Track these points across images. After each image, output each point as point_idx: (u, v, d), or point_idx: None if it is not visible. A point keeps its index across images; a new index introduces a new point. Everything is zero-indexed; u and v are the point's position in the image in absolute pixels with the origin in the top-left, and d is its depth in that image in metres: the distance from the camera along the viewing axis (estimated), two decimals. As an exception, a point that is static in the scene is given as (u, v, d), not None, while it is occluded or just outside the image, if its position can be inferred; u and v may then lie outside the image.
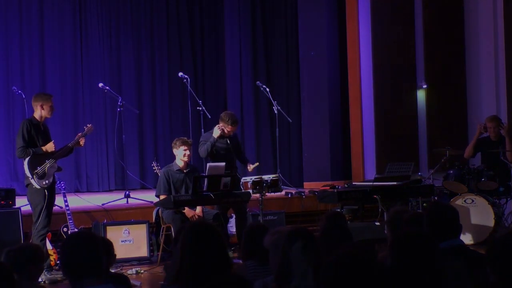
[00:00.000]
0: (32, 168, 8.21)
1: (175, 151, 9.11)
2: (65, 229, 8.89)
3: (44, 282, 8.10)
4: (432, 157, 11.78)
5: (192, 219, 8.75)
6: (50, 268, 8.28)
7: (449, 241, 4.39)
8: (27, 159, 8.22)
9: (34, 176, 8.19)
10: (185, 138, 9.29)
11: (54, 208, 9.10)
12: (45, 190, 8.18)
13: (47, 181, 8.22)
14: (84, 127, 9.09)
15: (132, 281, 5.79)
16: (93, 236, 3.46)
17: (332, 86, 12.84)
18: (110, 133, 12.69)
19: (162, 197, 8.91)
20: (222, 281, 3.05)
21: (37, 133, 8.29)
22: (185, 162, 9.05)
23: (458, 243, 4.44)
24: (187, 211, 8.87)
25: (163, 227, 9.11)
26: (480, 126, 10.52)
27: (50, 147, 8.32)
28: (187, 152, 9.03)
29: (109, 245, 5.00)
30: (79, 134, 8.78)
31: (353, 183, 11.00)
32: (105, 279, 3.39)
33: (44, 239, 8.20)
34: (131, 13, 13.38)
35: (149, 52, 13.50)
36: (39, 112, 8.29)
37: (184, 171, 9.04)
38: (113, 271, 6.81)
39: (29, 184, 8.27)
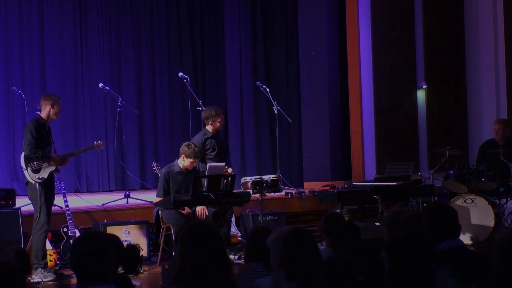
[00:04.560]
0: (28, 160, 8.23)
1: (183, 156, 8.89)
2: (65, 229, 8.89)
3: (42, 282, 8.12)
4: (432, 157, 11.78)
5: (199, 214, 8.77)
6: (45, 267, 8.28)
7: (449, 241, 4.39)
8: (23, 154, 8.26)
9: (28, 168, 8.20)
10: (197, 150, 8.97)
11: (54, 208, 9.11)
12: (41, 186, 8.18)
13: (40, 176, 8.22)
14: (95, 142, 9.11)
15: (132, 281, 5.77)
16: (105, 240, 3.45)
17: (332, 86, 12.82)
18: (110, 133, 12.68)
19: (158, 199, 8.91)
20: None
21: (43, 133, 8.32)
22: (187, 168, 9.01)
23: (458, 243, 4.44)
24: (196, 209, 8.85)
25: (163, 227, 9.10)
26: None
27: (56, 161, 8.33)
28: (194, 164, 8.94)
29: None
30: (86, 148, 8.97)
31: (353, 183, 11.01)
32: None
33: (45, 237, 8.21)
34: (131, 13, 13.38)
35: (149, 52, 13.50)
36: (48, 111, 8.31)
37: (185, 172, 9.01)
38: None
39: (29, 182, 8.29)
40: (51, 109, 8.30)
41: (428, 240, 3.77)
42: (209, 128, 9.56)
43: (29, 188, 8.32)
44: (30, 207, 8.56)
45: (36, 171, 8.24)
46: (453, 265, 3.87)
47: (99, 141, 9.19)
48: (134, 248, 4.30)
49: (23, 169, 8.27)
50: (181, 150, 8.95)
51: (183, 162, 8.90)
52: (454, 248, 4.34)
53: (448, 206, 4.84)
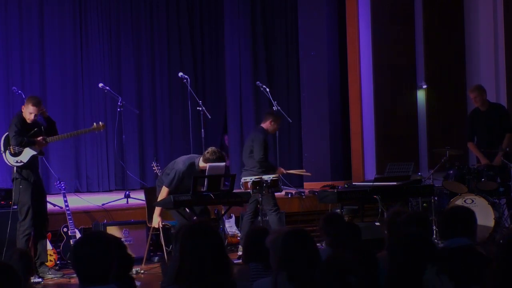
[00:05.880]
0: (7, 144, 8.25)
1: (207, 162, 8.59)
2: (65, 229, 8.90)
3: (42, 282, 8.14)
4: (432, 157, 11.78)
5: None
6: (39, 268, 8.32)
7: (457, 239, 4.43)
8: (3, 136, 8.29)
9: (6, 152, 8.22)
10: (222, 154, 8.84)
11: (54, 208, 9.12)
12: (26, 184, 8.19)
13: (19, 160, 8.23)
14: (94, 123, 9.05)
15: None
16: (106, 240, 3.45)
17: (332, 86, 12.82)
18: (110, 133, 12.68)
19: (165, 191, 8.68)
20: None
21: (25, 128, 8.35)
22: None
23: (466, 242, 4.45)
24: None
25: (152, 227, 9.10)
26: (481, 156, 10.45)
27: (41, 144, 8.36)
28: None
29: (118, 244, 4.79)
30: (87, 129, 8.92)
31: (353, 183, 11.01)
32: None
33: (28, 239, 8.18)
34: (131, 13, 13.38)
35: (149, 52, 13.51)
36: (26, 113, 8.38)
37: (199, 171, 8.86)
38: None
39: (16, 178, 8.30)
40: (23, 111, 8.38)
41: (429, 239, 3.78)
42: (265, 125, 9.58)
43: (16, 187, 8.32)
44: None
45: (16, 154, 8.25)
46: (442, 265, 3.86)
47: (100, 123, 9.07)
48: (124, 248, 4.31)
49: (1, 152, 8.29)
50: (208, 157, 8.59)
51: (206, 166, 8.61)
52: (462, 247, 4.35)
53: (466, 208, 4.88)
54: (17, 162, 8.24)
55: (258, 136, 9.48)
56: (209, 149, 8.72)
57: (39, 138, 8.35)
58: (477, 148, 10.41)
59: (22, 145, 8.23)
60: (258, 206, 9.19)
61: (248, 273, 4.50)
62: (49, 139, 8.48)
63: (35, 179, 8.34)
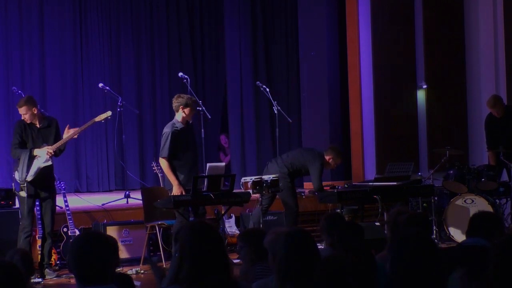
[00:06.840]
0: (15, 163, 8.33)
1: (181, 108, 8.43)
2: (65, 229, 8.91)
3: (42, 282, 8.15)
4: (432, 157, 11.78)
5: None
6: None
7: (474, 238, 4.56)
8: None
9: (16, 172, 8.28)
10: (192, 97, 8.73)
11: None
12: (32, 200, 8.23)
13: (29, 175, 8.24)
14: (95, 118, 9.03)
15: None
16: (104, 239, 3.45)
17: (332, 86, 12.82)
18: (110, 133, 12.68)
19: (165, 162, 8.43)
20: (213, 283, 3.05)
21: (29, 132, 8.34)
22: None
23: (482, 243, 4.51)
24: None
25: (148, 226, 9.11)
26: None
27: (41, 153, 8.33)
28: (194, 112, 8.70)
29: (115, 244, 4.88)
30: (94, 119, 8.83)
31: (353, 183, 11.01)
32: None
33: (28, 237, 8.21)
34: (131, 13, 13.39)
35: (149, 52, 13.51)
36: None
37: (185, 127, 8.61)
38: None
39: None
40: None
41: (431, 239, 3.78)
42: (326, 157, 9.59)
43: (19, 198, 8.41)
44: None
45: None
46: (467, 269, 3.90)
47: (108, 112, 9.00)
48: None
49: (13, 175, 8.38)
50: (176, 103, 8.48)
51: (183, 114, 8.47)
52: (476, 246, 4.40)
53: (490, 212, 5.06)
54: (26, 178, 8.28)
55: (316, 165, 9.47)
56: (175, 97, 8.62)
57: (40, 148, 8.34)
58: (495, 158, 10.32)
59: (16, 155, 8.28)
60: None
61: (253, 274, 4.48)
62: (50, 149, 8.39)
63: (36, 180, 8.34)
